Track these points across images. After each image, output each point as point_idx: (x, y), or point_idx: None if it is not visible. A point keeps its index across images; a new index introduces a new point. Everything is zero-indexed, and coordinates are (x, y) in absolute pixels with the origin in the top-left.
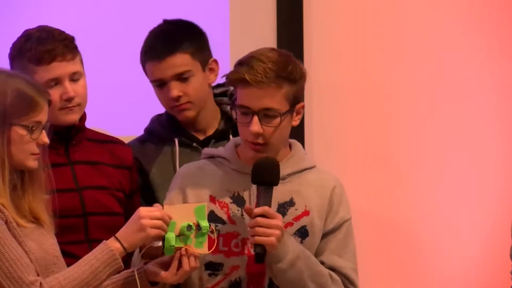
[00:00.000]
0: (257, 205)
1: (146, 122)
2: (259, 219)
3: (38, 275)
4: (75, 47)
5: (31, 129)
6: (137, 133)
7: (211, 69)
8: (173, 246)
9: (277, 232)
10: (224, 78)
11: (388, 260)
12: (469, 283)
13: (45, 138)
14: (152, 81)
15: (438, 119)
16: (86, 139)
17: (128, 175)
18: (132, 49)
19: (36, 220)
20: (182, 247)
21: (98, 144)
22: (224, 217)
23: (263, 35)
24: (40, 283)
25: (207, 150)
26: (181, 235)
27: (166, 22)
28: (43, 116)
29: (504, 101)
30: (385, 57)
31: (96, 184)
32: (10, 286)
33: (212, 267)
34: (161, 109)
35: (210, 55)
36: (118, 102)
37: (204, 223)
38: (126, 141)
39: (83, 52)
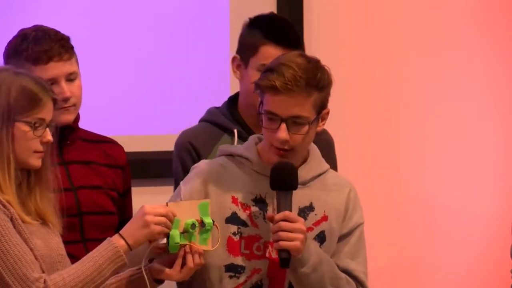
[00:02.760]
0: (278, 210)
1: (144, 122)
2: (282, 223)
3: (43, 272)
4: (72, 47)
5: (34, 125)
6: (135, 132)
7: None
8: (178, 243)
9: (301, 236)
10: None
11: (387, 259)
12: (469, 281)
13: (49, 136)
14: (262, 64)
15: (438, 119)
16: (80, 139)
17: (121, 174)
18: (131, 49)
19: (42, 219)
20: (186, 244)
21: (92, 144)
22: (247, 219)
23: None
24: (45, 280)
25: (225, 148)
26: (185, 232)
27: (280, 16)
28: (46, 113)
29: (505, 100)
30: (385, 56)
31: (91, 183)
32: (15, 282)
33: (234, 270)
34: (158, 110)
35: None
36: (114, 102)
37: (208, 220)
38: (119, 141)
39: (77, 52)
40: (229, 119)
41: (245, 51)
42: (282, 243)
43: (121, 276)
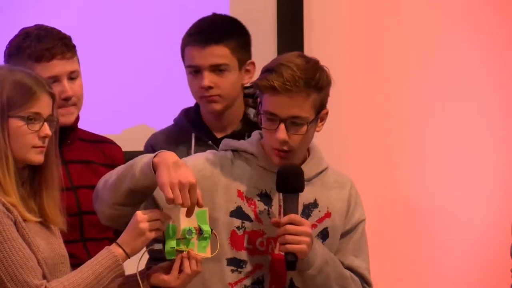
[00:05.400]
0: (285, 213)
1: (143, 121)
2: (288, 226)
3: (44, 277)
4: (74, 46)
5: (28, 119)
6: (134, 131)
7: (247, 70)
8: (174, 248)
9: (307, 239)
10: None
11: (387, 259)
12: (469, 281)
13: (46, 130)
14: (188, 67)
15: (438, 120)
16: (79, 139)
17: None
18: (131, 49)
19: (45, 218)
20: (184, 251)
21: (90, 144)
22: (251, 214)
23: (264, 35)
24: (45, 287)
25: (229, 142)
26: (183, 239)
27: (216, 14)
28: (42, 108)
29: (505, 101)
30: (385, 56)
31: (90, 183)
32: None
33: (236, 264)
34: (157, 110)
35: (249, 57)
36: (114, 101)
37: (206, 228)
38: (117, 140)
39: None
40: (191, 123)
41: (182, 58)
42: (288, 246)
43: (119, 281)
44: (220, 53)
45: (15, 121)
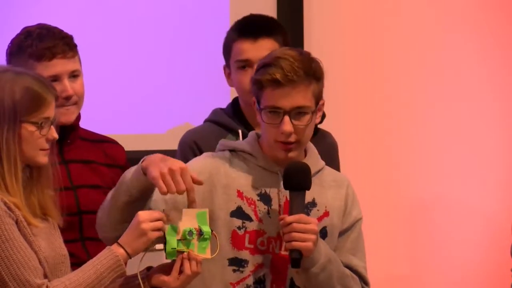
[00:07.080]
0: (291, 210)
1: (143, 121)
2: (295, 224)
3: (45, 277)
4: (75, 46)
5: (40, 125)
6: (135, 131)
7: None
8: (175, 249)
9: (313, 236)
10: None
11: (387, 259)
12: (469, 281)
13: (54, 134)
14: (237, 61)
15: (438, 118)
16: (80, 138)
17: (121, 174)
18: (131, 49)
19: (43, 212)
20: (184, 252)
21: (91, 143)
22: (251, 214)
23: None
24: (47, 286)
25: (227, 142)
26: (183, 239)
27: (256, 14)
28: (51, 112)
29: (505, 100)
30: (385, 56)
31: (90, 182)
32: None
33: (237, 263)
34: (157, 109)
35: None
36: (114, 101)
37: (206, 229)
38: (119, 140)
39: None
40: (233, 120)
41: (225, 56)
42: (294, 243)
43: (119, 282)
44: (270, 47)
45: (29, 126)
